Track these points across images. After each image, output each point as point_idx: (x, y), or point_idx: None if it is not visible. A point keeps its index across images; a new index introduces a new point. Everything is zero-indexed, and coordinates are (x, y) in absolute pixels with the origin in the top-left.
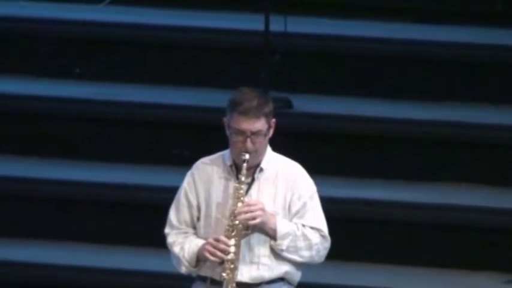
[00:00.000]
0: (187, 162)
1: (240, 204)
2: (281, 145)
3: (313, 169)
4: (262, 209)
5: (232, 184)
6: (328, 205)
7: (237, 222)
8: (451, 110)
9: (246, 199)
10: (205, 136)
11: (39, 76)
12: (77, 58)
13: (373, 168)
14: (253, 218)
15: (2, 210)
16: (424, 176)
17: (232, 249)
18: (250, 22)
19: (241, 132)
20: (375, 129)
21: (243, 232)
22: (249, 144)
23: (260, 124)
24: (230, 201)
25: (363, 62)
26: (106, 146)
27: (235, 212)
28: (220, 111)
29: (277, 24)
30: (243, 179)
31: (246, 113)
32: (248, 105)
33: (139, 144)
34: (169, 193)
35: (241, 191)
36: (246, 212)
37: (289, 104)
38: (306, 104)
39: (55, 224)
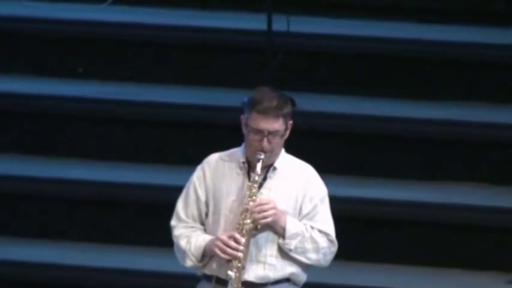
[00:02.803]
0: (190, 161)
1: (251, 203)
2: (284, 144)
3: (316, 168)
4: (275, 208)
5: (243, 181)
6: (331, 204)
7: (247, 221)
8: (453, 108)
9: (258, 198)
10: (208, 135)
11: (42, 75)
12: (79, 58)
13: (375, 167)
14: (265, 218)
15: (7, 210)
16: (426, 175)
17: (241, 248)
18: (252, 22)
19: (259, 132)
20: (378, 128)
21: (253, 231)
22: (265, 143)
23: (278, 124)
24: (240, 199)
25: (366, 61)
26: (109, 145)
27: (247, 210)
28: (223, 110)
29: (279, 24)
30: (256, 178)
31: (265, 113)
32: (268, 104)
33: (142, 144)
34: (173, 192)
35: (254, 190)
36: (259, 212)
37: (291, 103)
38: (308, 103)
39: (59, 223)
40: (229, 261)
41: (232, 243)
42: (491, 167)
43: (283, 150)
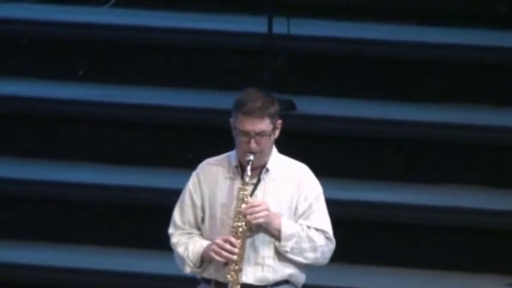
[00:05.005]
0: (191, 164)
1: (244, 205)
2: (284, 147)
3: (316, 171)
4: (267, 209)
5: (238, 185)
6: (331, 207)
7: (240, 223)
8: (453, 111)
9: (251, 200)
10: (208, 138)
11: (42, 78)
12: (80, 60)
13: (375, 170)
14: (256, 219)
15: (5, 212)
16: (425, 178)
17: (236, 250)
18: (253, 24)
19: (246, 133)
20: (377, 131)
21: (247, 233)
22: (253, 144)
23: (264, 125)
24: (235, 202)
25: (366, 64)
26: (109, 148)
27: (239, 213)
28: (224, 113)
29: (280, 27)
30: (247, 180)
31: (250, 114)
32: (252, 105)
33: (143, 146)
34: (174, 195)
35: (246, 192)
36: (250, 214)
37: (292, 106)
38: (309, 106)
39: (57, 226)
40: (226, 264)
41: (227, 246)
42: (492, 169)
43: (275, 151)
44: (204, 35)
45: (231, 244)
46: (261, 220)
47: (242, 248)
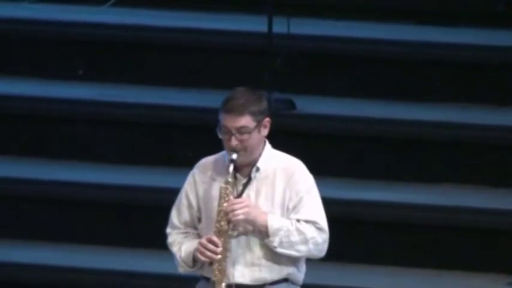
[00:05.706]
0: (190, 164)
1: (225, 204)
2: (284, 146)
3: (316, 170)
4: (247, 206)
5: (231, 184)
6: (330, 206)
7: (222, 222)
8: (453, 111)
9: (240, 199)
10: (208, 138)
11: (42, 77)
12: (79, 60)
13: (375, 169)
14: (235, 216)
15: (6, 211)
16: (425, 177)
17: (219, 250)
18: (253, 24)
19: (227, 130)
20: (377, 130)
21: (230, 232)
22: (234, 142)
23: (244, 121)
24: (217, 202)
25: (366, 64)
26: (109, 147)
27: (221, 211)
28: None
29: (280, 26)
30: (229, 179)
31: (230, 111)
32: (235, 102)
33: (142, 146)
34: (174, 195)
35: (227, 191)
36: (231, 211)
37: (292, 106)
38: (308, 105)
39: (58, 225)
40: (210, 264)
41: (210, 246)
42: (491, 169)
43: (268, 148)
44: (204, 35)
45: (214, 244)
46: (240, 217)
47: (225, 247)
